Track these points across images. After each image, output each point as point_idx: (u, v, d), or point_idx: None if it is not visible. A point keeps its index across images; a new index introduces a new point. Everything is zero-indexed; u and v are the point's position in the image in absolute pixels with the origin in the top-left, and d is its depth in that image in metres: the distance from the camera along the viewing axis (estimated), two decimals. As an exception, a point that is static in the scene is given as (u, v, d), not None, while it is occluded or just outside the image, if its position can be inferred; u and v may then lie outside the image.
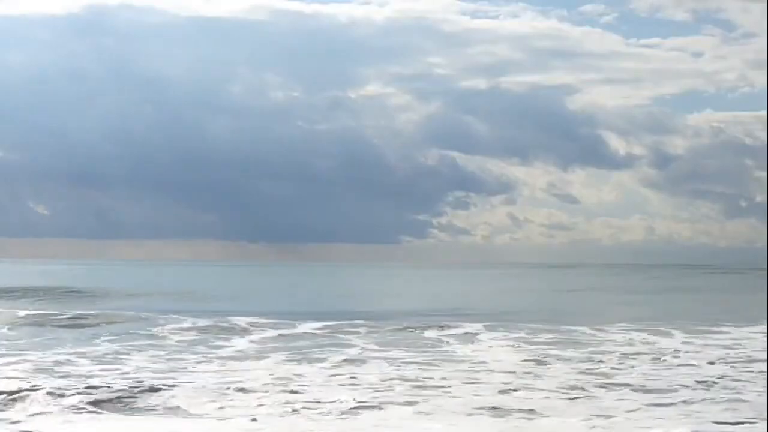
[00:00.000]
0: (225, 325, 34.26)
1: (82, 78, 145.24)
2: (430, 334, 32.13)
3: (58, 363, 22.97)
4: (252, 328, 33.28)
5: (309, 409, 16.77)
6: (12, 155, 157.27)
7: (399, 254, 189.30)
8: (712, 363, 24.25)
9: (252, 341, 29.49)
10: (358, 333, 32.03)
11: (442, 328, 33.75)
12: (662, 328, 33.82)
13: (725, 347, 28.21)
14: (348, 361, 24.20)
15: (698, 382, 20.62)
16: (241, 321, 35.30)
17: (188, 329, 32.86)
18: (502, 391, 18.99)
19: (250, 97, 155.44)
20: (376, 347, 27.67)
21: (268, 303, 53.32)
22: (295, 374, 21.23)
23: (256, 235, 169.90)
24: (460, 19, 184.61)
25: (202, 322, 34.89)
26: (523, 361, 24.49)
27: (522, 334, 31.93)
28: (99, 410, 16.70)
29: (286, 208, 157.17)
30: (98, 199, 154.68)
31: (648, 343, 29.27)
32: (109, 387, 18.85)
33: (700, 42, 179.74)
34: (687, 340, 30.54)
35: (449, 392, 18.85)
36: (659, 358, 25.05)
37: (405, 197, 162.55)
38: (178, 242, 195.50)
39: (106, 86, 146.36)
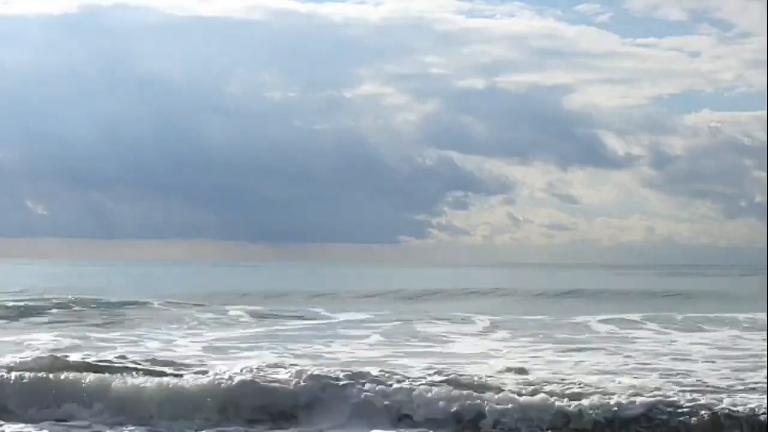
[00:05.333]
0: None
1: (80, 77, 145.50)
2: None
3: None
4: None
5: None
6: (10, 155, 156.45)
7: (398, 254, 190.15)
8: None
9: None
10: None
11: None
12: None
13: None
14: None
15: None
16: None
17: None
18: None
19: (247, 97, 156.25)
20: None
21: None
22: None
23: (256, 235, 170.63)
24: (456, 19, 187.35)
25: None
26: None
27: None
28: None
29: (284, 208, 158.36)
30: (97, 199, 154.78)
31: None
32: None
33: (697, 41, 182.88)
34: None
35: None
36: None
37: (404, 197, 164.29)
38: (178, 242, 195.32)
39: (104, 86, 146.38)
